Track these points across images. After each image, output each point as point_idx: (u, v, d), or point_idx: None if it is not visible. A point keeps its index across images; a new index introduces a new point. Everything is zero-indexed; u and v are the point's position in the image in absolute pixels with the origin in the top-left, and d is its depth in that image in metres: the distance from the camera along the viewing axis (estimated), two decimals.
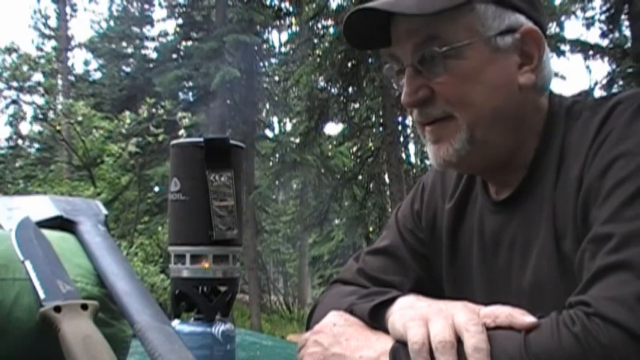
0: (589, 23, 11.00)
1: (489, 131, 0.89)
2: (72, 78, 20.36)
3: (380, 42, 0.96)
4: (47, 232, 0.88)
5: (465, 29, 0.87)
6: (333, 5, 11.42)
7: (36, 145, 18.61)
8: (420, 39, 0.88)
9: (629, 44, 10.10)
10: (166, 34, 19.74)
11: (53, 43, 21.76)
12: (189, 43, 18.76)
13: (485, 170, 0.96)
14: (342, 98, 11.58)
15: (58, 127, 10.99)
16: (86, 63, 24.42)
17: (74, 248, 0.86)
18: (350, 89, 11.47)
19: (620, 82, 10.16)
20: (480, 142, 0.89)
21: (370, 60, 10.84)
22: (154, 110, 10.25)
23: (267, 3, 15.63)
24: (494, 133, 0.90)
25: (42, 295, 0.77)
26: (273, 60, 18.36)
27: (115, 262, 0.84)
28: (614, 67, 10.35)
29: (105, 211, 0.99)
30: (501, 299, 0.93)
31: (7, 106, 15.91)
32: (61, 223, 0.91)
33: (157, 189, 15.10)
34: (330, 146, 15.52)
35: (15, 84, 11.40)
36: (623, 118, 0.81)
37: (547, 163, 0.91)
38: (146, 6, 20.72)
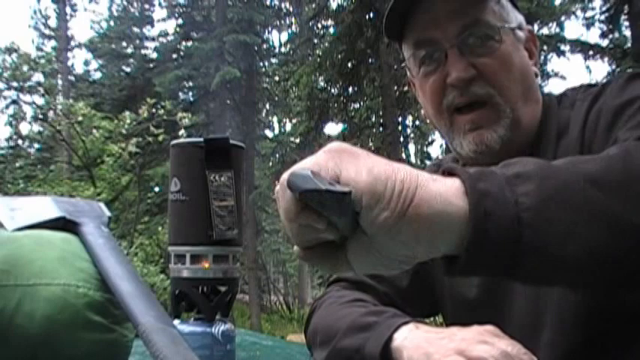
0: (589, 23, 11.00)
1: (522, 115, 0.95)
2: (72, 78, 20.36)
3: (400, 32, 0.99)
4: (50, 233, 0.88)
5: (497, 17, 0.94)
6: (333, 5, 11.43)
7: (36, 145, 18.59)
8: (467, 20, 0.93)
9: (629, 44, 10.10)
10: (166, 34, 19.76)
11: (53, 43, 21.77)
12: (189, 43, 18.77)
13: (502, 160, 0.97)
14: (342, 98, 11.58)
15: (58, 127, 10.97)
16: (86, 63, 24.42)
17: (77, 250, 0.87)
18: (350, 89, 11.47)
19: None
20: (517, 127, 0.94)
21: (370, 60, 10.84)
22: (154, 110, 10.22)
23: (267, 3, 15.64)
24: (525, 118, 0.95)
25: None
26: (273, 60, 18.35)
27: (118, 264, 0.84)
28: (614, 67, 10.34)
29: (108, 213, 0.99)
30: (502, 291, 0.95)
31: (7, 106, 15.91)
32: (64, 225, 0.91)
33: (157, 189, 15.10)
34: None
35: (15, 84, 11.39)
36: (620, 82, 0.89)
37: (544, 147, 0.95)
38: (146, 6, 20.71)
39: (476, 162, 1.00)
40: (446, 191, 0.56)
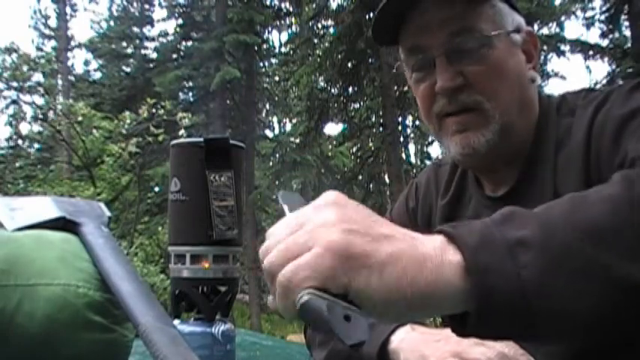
0: (589, 23, 11.02)
1: (515, 121, 0.94)
2: (72, 78, 20.35)
3: (392, 38, 0.98)
4: (50, 233, 0.88)
5: (491, 22, 0.93)
6: (333, 5, 11.43)
7: (36, 145, 18.59)
8: (457, 28, 0.91)
9: (629, 44, 10.11)
10: (166, 34, 19.74)
11: (53, 43, 21.78)
12: (189, 43, 18.77)
13: (495, 164, 0.98)
14: (342, 98, 11.59)
15: (58, 127, 10.97)
16: (86, 63, 24.43)
17: (77, 250, 0.86)
18: (350, 89, 11.48)
19: (620, 82, 10.15)
20: (507, 133, 0.93)
21: (370, 60, 10.84)
22: (154, 110, 10.22)
23: (267, 3, 15.63)
24: (518, 124, 0.94)
25: None
26: (273, 60, 18.34)
27: (118, 264, 0.83)
28: (614, 67, 10.36)
29: (108, 213, 0.99)
30: None
31: (7, 106, 15.94)
32: (64, 225, 0.91)
33: (157, 189, 15.09)
34: (330, 146, 15.54)
35: (15, 84, 11.39)
36: (623, 91, 0.87)
37: (543, 154, 0.94)
38: (146, 6, 20.71)
39: (464, 164, 1.01)
40: (449, 271, 0.55)
